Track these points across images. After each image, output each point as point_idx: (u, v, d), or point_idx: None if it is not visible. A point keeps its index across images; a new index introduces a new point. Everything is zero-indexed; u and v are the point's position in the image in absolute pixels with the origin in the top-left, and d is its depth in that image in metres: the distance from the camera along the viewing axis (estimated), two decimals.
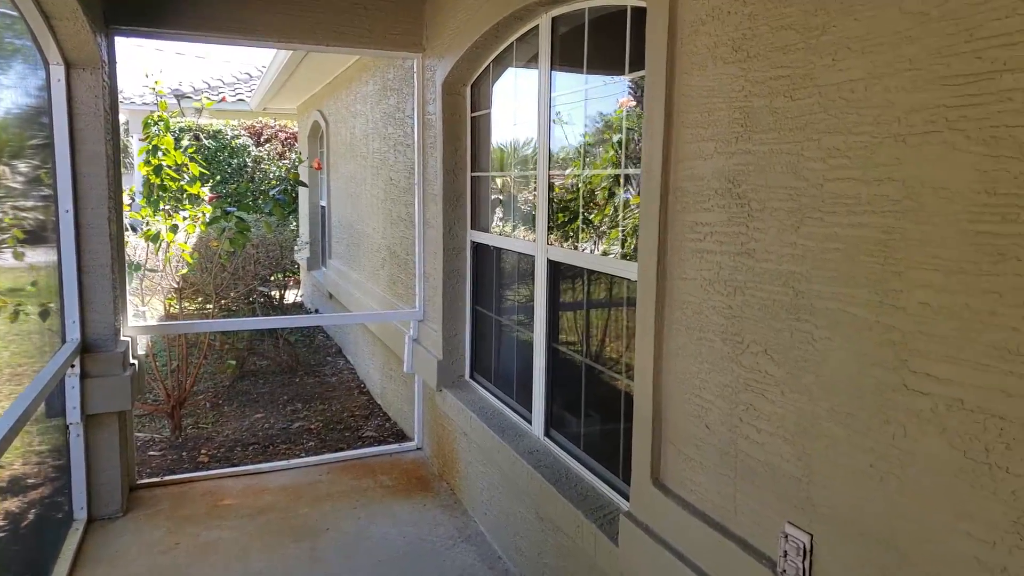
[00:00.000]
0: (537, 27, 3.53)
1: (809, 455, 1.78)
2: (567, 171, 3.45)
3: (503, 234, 4.22)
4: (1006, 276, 1.33)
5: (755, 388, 1.96)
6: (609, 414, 3.17)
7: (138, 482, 4.46)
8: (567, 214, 3.50)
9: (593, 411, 3.32)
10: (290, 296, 11.08)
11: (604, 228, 3.23)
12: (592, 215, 3.30)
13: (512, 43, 3.86)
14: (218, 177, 12.06)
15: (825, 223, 1.72)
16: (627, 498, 2.69)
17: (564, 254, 3.42)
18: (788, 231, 1.83)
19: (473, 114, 4.44)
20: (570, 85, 3.35)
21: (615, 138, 3.06)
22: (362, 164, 7.04)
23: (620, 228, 3.05)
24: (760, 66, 1.91)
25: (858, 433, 1.64)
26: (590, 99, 3.21)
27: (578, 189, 3.34)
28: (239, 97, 14.19)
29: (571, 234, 3.45)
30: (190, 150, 5.78)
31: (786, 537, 1.84)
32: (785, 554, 1.84)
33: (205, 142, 12.10)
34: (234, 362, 7.27)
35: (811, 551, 1.78)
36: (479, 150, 4.45)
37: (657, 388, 2.38)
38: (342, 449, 5.39)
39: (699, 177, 2.16)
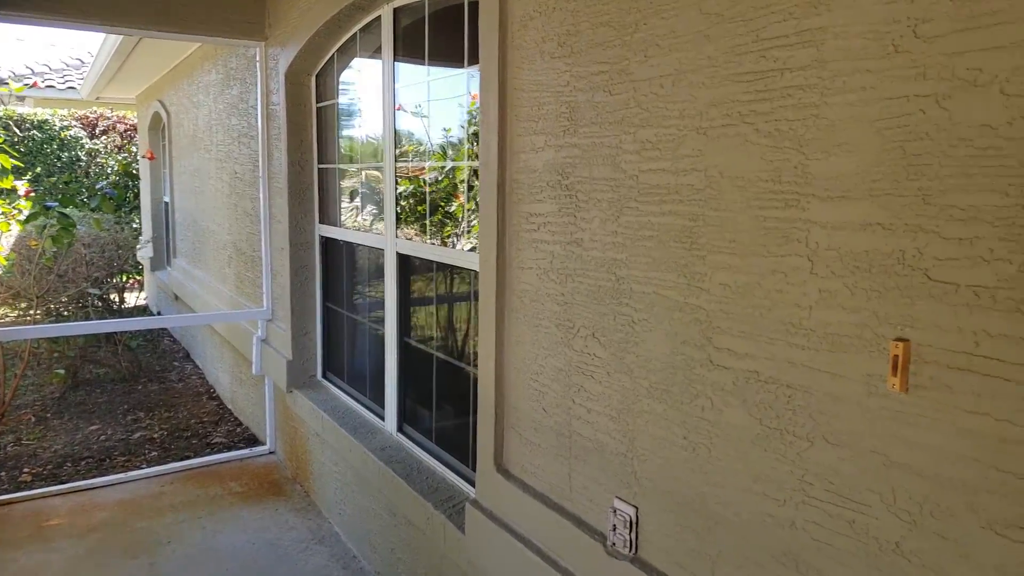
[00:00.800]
0: (379, 18, 3.49)
1: (632, 431, 1.88)
2: (413, 163, 3.44)
3: (353, 228, 4.15)
4: (790, 257, 1.46)
5: (585, 370, 2.04)
6: (460, 405, 3.20)
7: None
8: (416, 207, 3.49)
9: (445, 404, 3.33)
10: (133, 299, 10.34)
11: (452, 220, 3.25)
12: (440, 208, 3.31)
13: (356, 33, 3.80)
14: (39, 170, 11.03)
15: (640, 212, 1.82)
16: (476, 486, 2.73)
17: (413, 247, 3.41)
18: (610, 221, 1.92)
19: (319, 105, 4.33)
20: (414, 77, 3.35)
21: (458, 130, 3.08)
22: (206, 157, 6.69)
23: (466, 220, 3.08)
24: (583, 61, 1.99)
25: (673, 408, 1.75)
26: (433, 91, 3.22)
27: (425, 181, 3.34)
28: (69, 84, 13.06)
29: (420, 227, 3.44)
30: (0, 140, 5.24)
31: (615, 511, 1.93)
32: (614, 528, 1.93)
33: (22, 133, 11.03)
34: (62, 371, 6.69)
35: (637, 523, 1.88)
36: (326, 142, 4.35)
37: (499, 376, 2.42)
38: (188, 457, 5.10)
39: (532, 169, 2.22)
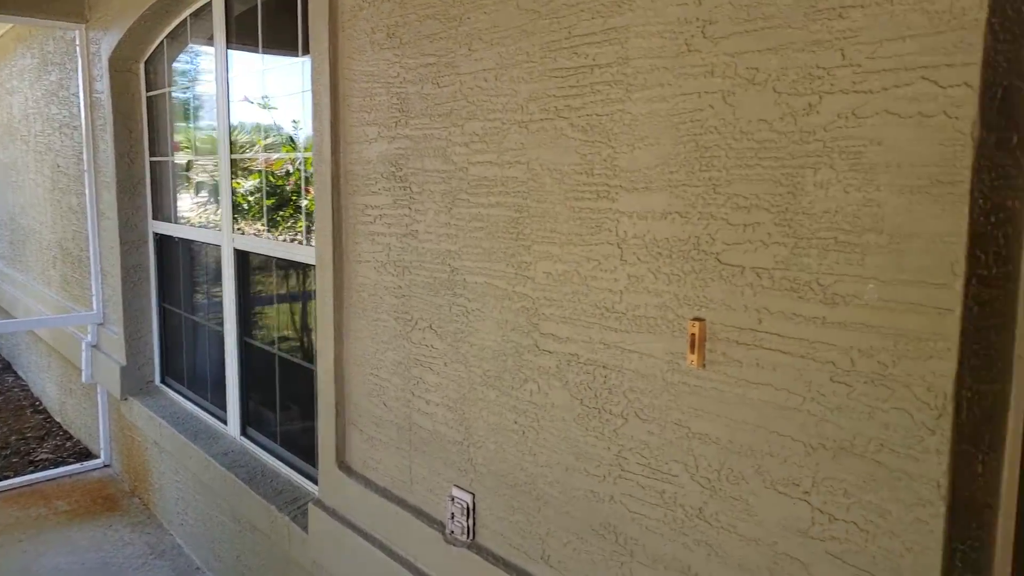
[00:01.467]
0: (210, 3, 3.32)
1: (468, 419, 1.91)
2: (255, 156, 3.31)
3: (188, 224, 3.93)
4: (602, 245, 1.53)
5: (423, 362, 2.05)
6: (306, 405, 3.12)
7: None
8: (254, 200, 3.36)
9: (290, 404, 3.24)
10: None
11: (292, 214, 3.15)
12: (292, 202, 3.20)
13: (186, 19, 3.60)
14: None
15: (471, 204, 1.85)
16: None
17: (252, 243, 3.28)
18: (443, 212, 1.94)
19: (149, 93, 4.07)
20: (248, 65, 3.21)
21: (298, 121, 2.99)
22: (24, 149, 6.11)
23: (305, 214, 3.00)
24: (411, 53, 1.99)
25: (504, 394, 1.80)
26: (276, 81, 3.11)
27: (275, 175, 3.22)
28: None
29: (270, 222, 3.32)
30: None
31: (452, 499, 1.96)
32: (453, 515, 1.95)
33: None
34: None
35: (474, 509, 1.91)
36: (159, 133, 4.09)
37: (339, 372, 2.38)
38: (7, 477, 4.65)
39: (366, 160, 2.20)
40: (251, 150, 3.32)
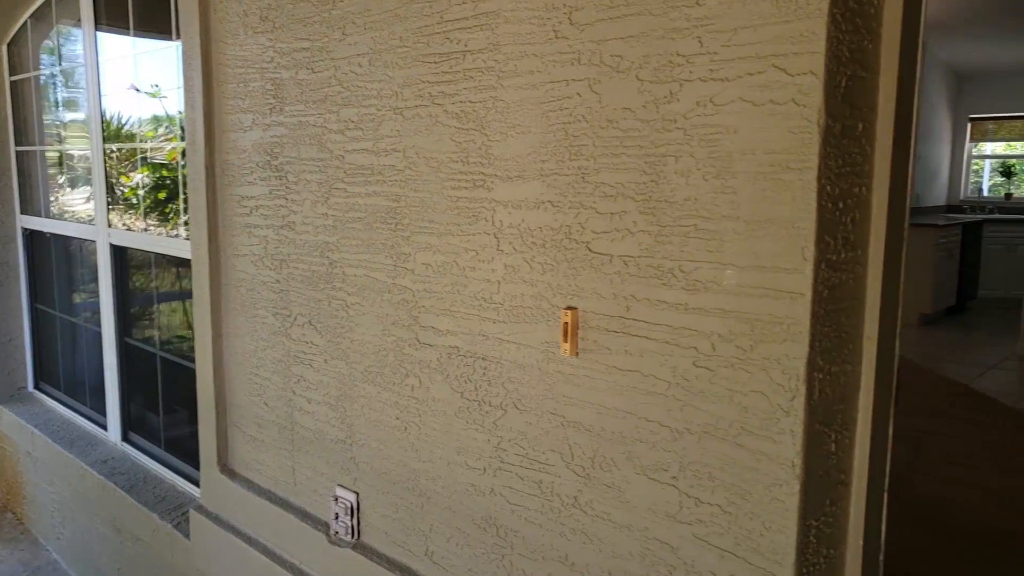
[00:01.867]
0: None
1: (351, 417, 1.85)
2: (125, 144, 3.12)
3: (62, 218, 3.68)
4: (479, 235, 1.50)
5: (304, 359, 1.98)
6: (190, 406, 2.96)
7: None
8: (144, 193, 3.17)
9: (175, 405, 3.08)
10: None
11: (171, 207, 2.99)
12: (159, 193, 3.04)
13: None
14: None
15: (348, 193, 1.79)
16: None
17: (128, 238, 3.09)
18: (320, 203, 1.87)
19: (13, 78, 3.78)
20: (121, 49, 3.02)
21: (172, 108, 2.84)
22: None
23: (184, 206, 2.85)
24: (285, 37, 1.91)
25: (386, 390, 1.75)
26: (147, 65, 2.93)
27: (152, 166, 3.04)
28: None
29: (150, 215, 3.13)
30: None
31: (336, 500, 1.90)
32: (336, 516, 1.89)
33: None
34: None
35: (358, 508, 1.86)
36: (26, 120, 3.81)
37: (219, 371, 2.28)
38: None
39: (242, 149, 2.10)
40: (139, 140, 3.13)
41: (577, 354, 1.35)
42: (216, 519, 2.27)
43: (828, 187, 1.06)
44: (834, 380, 1.13)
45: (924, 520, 2.64)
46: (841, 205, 1.09)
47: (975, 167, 8.49)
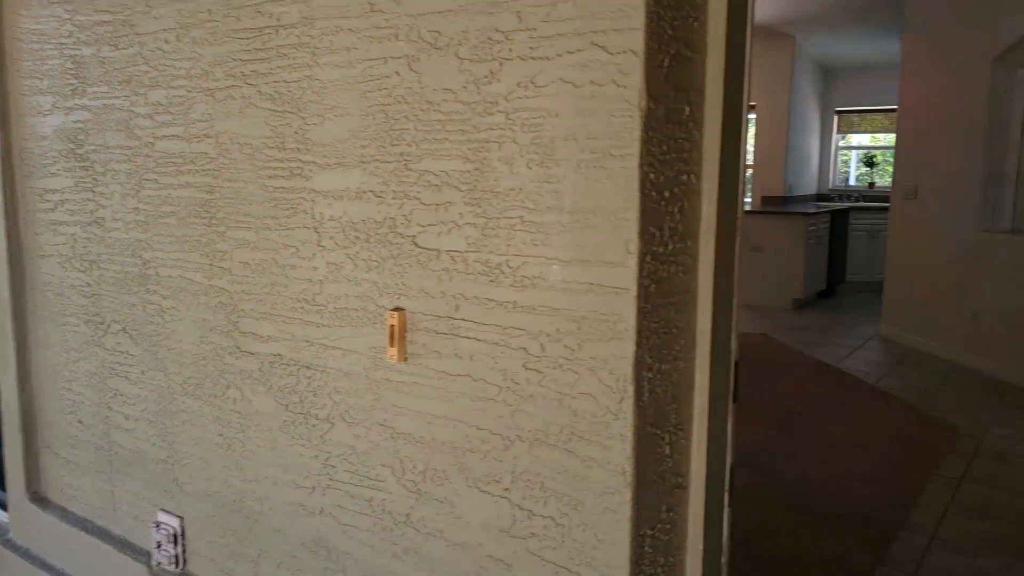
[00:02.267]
0: None
1: (171, 434, 1.66)
2: None
3: None
4: (299, 230, 1.36)
5: (119, 371, 1.76)
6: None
7: None
8: None
9: None
10: None
11: None
12: None
13: None
14: None
15: (160, 185, 1.59)
16: None
17: None
18: (130, 196, 1.66)
19: None
20: None
21: None
22: None
23: None
24: (84, 9, 1.68)
25: (207, 403, 1.57)
26: None
27: None
28: None
29: None
30: None
31: (158, 526, 1.70)
32: (159, 544, 1.70)
33: None
34: None
35: (183, 534, 1.68)
36: None
37: (25, 386, 2.01)
38: None
39: (42, 136, 1.85)
40: None
41: (405, 359, 1.24)
42: (26, 554, 2.01)
43: (652, 175, 0.99)
44: (665, 379, 1.07)
45: (790, 500, 2.70)
46: (667, 194, 1.03)
47: (843, 157, 8.98)
